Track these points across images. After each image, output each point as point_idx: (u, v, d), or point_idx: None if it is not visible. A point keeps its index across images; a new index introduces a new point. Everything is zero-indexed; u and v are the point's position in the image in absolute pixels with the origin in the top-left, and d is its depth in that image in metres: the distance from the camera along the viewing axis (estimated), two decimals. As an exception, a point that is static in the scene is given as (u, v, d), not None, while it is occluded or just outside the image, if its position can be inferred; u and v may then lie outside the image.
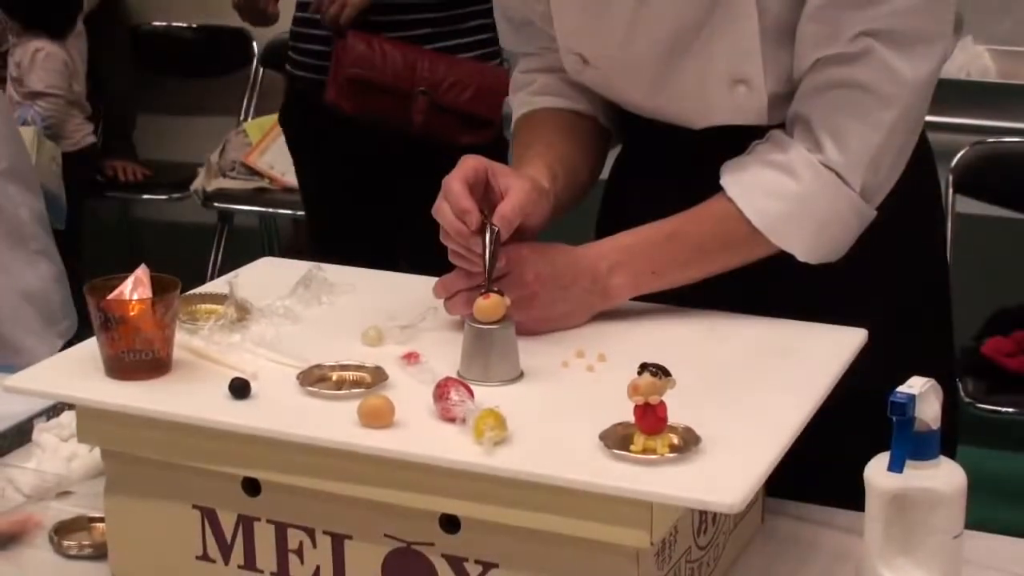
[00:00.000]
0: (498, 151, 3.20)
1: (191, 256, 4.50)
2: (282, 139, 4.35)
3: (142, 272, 1.54)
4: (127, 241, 5.08)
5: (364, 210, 3.33)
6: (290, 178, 4.36)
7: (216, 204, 4.46)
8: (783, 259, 1.68)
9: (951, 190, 3.32)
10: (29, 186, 2.66)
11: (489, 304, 1.50)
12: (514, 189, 1.61)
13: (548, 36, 1.81)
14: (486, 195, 1.61)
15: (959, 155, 3.33)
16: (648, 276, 1.66)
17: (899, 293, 1.80)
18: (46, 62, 4.53)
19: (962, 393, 3.12)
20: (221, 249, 4.59)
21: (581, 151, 1.81)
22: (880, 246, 1.70)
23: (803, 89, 1.65)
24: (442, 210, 1.59)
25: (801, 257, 1.67)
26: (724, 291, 1.69)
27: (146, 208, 5.03)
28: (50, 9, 4.53)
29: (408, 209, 2.80)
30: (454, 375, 1.45)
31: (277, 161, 4.34)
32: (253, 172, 4.39)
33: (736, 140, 1.70)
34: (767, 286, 1.69)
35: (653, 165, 1.83)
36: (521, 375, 1.51)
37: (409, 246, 3.26)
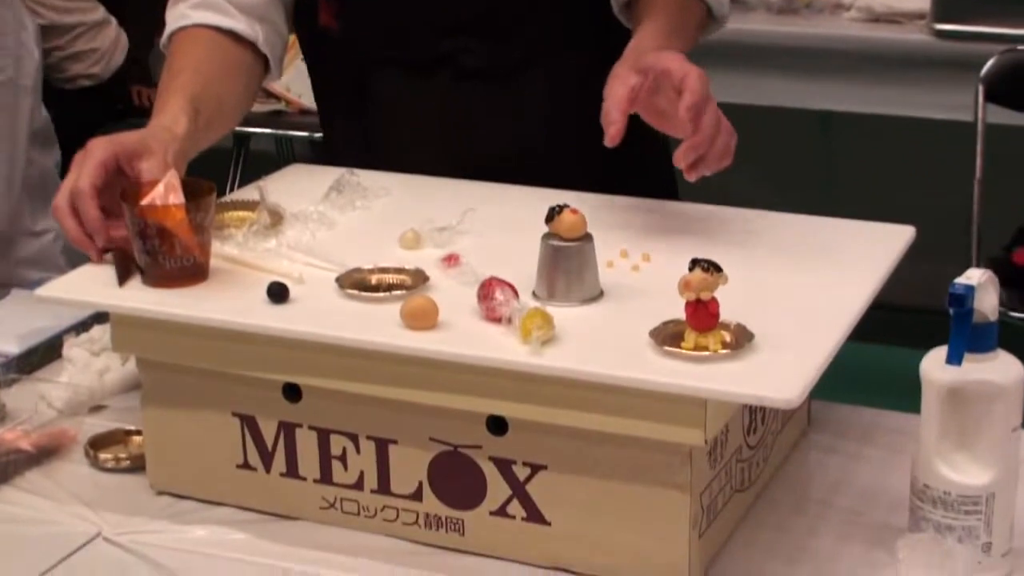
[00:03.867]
0: None
1: (209, 179, 4.45)
2: (299, 60, 4.29)
3: (172, 177, 1.51)
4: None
5: None
6: (307, 100, 4.31)
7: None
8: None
9: (981, 99, 3.27)
10: (49, 140, 2.68)
11: (576, 219, 1.42)
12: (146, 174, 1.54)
13: None
14: (122, 172, 1.56)
15: (989, 64, 3.27)
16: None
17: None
18: None
19: (994, 302, 3.09)
20: (238, 173, 4.54)
21: (231, 81, 1.78)
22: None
23: None
24: (64, 215, 1.52)
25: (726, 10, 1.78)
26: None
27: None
28: None
29: None
30: (496, 276, 1.41)
31: (294, 83, 4.27)
32: (269, 95, 4.32)
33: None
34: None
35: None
36: (601, 294, 1.44)
37: None
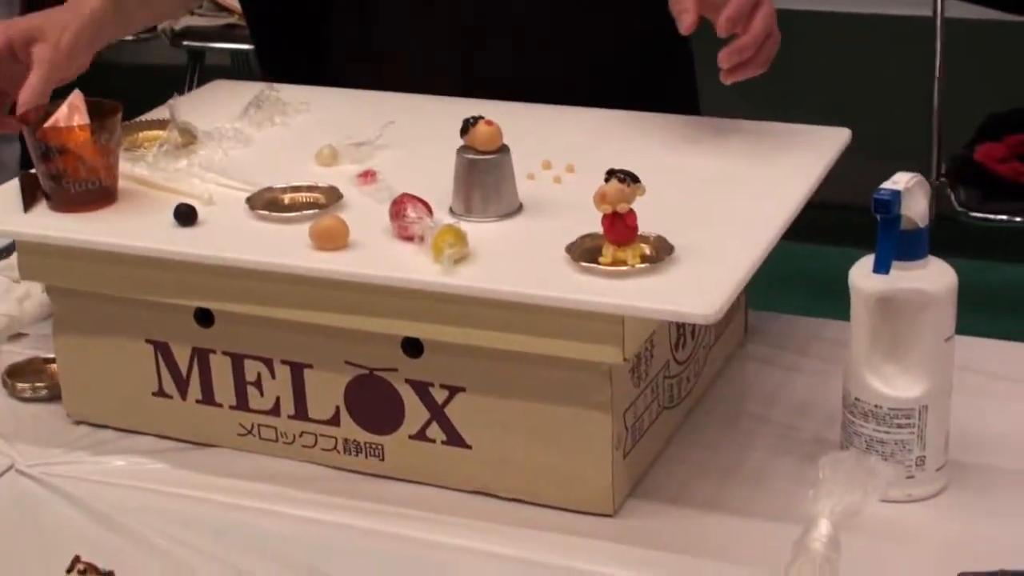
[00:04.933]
0: None
1: (164, 98, 4.37)
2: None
3: (76, 98, 1.46)
4: (96, 87, 4.96)
5: None
6: (260, 12, 4.22)
7: (185, 43, 4.32)
8: None
9: (940, -8, 3.21)
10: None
11: (490, 131, 1.36)
12: (36, 64, 1.49)
13: None
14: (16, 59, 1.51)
15: (948, -44, 3.21)
16: None
17: None
18: None
19: (954, 202, 3.05)
20: (194, 89, 4.46)
21: None
22: None
23: None
24: None
25: None
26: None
27: (113, 50, 4.89)
28: None
29: None
30: (409, 193, 1.35)
31: (246, -6, 4.21)
32: (221, 8, 4.24)
33: None
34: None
35: None
36: (520, 208, 1.39)
37: None
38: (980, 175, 3.09)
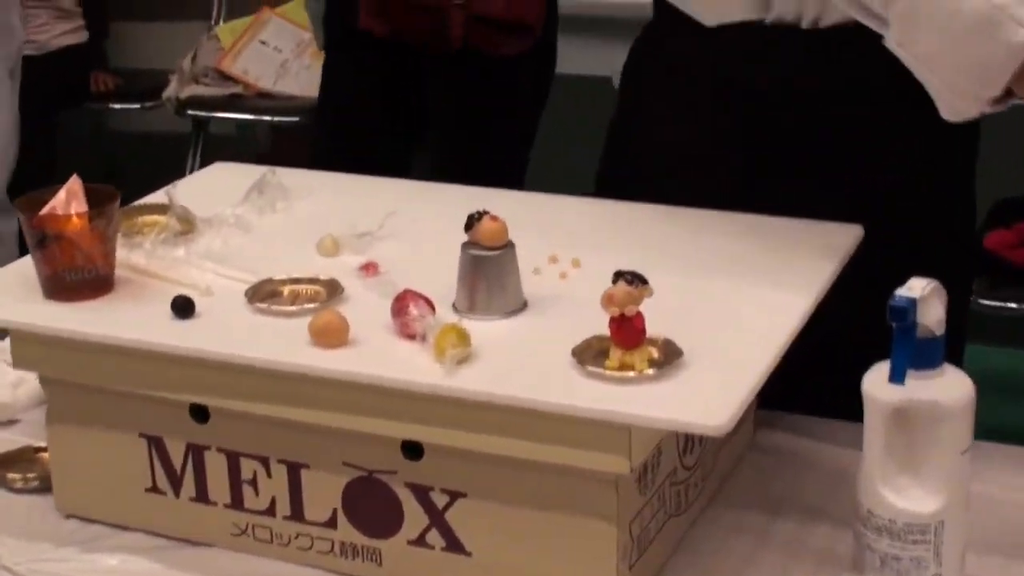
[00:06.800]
0: (542, 58, 3.11)
1: (167, 167, 4.34)
2: (255, 43, 4.22)
3: (75, 183, 1.43)
4: (101, 154, 4.94)
5: (388, 127, 3.18)
6: (265, 83, 4.23)
7: (190, 112, 4.31)
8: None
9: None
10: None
11: (495, 227, 1.33)
12: None
13: None
14: None
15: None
16: None
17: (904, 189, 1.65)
18: None
19: (964, 289, 3.02)
20: (197, 158, 4.45)
21: None
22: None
23: None
24: None
25: None
26: (718, 188, 1.58)
27: (119, 119, 4.89)
28: None
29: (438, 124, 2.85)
30: (414, 289, 1.32)
31: (251, 66, 4.20)
32: (227, 78, 4.25)
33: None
34: (762, 182, 1.58)
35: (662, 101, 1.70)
36: (525, 305, 1.36)
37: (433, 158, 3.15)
38: (990, 262, 3.06)
